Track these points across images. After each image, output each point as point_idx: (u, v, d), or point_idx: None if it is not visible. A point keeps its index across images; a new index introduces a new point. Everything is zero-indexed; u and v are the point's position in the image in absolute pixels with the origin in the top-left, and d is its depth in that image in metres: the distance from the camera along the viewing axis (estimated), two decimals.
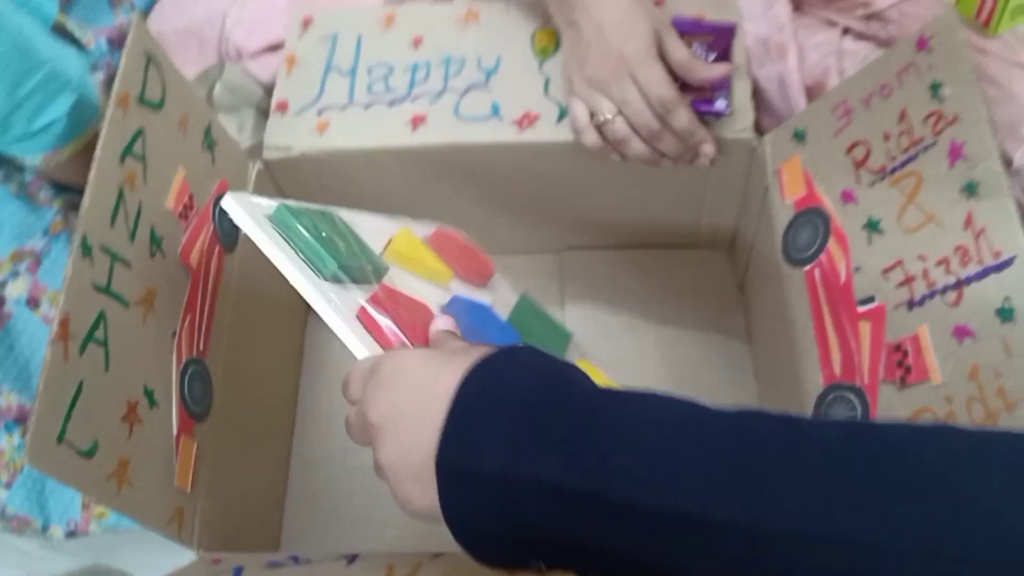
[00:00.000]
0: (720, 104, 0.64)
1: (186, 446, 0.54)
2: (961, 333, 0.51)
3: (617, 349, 0.77)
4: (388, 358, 0.41)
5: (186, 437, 0.54)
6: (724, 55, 0.66)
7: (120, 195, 0.48)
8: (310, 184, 0.72)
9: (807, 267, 0.61)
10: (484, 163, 0.70)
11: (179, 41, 0.76)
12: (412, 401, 0.38)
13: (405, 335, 0.48)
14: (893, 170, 0.57)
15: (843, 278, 0.58)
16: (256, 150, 0.70)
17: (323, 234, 0.48)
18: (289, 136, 0.69)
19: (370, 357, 0.44)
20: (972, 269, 0.51)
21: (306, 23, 0.74)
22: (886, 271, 0.56)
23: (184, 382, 0.54)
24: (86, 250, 0.45)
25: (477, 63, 0.72)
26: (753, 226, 0.71)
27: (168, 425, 0.52)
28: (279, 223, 0.47)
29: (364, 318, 0.47)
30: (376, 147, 0.69)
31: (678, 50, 0.61)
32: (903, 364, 0.54)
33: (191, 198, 0.56)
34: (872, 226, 0.57)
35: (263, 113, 0.75)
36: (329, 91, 0.71)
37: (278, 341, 0.75)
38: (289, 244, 0.47)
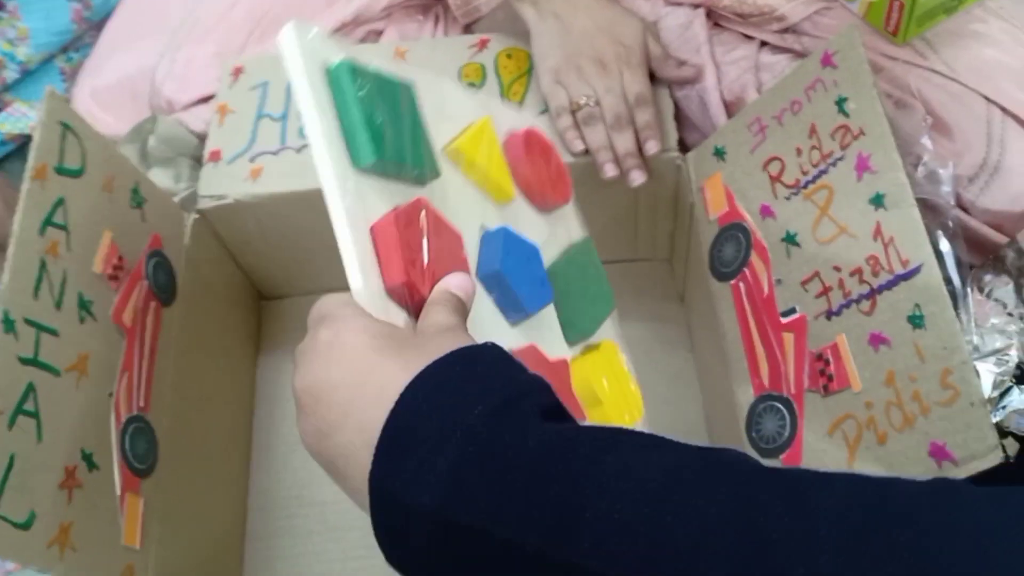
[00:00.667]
0: None
1: (132, 504, 0.54)
2: (877, 341, 0.52)
3: None
4: (334, 322, 0.36)
5: (131, 495, 0.54)
6: None
7: (42, 266, 0.49)
8: (250, 228, 0.73)
9: (732, 281, 0.63)
10: None
11: (112, 97, 0.77)
12: (339, 385, 0.34)
13: (420, 271, 0.40)
14: (806, 184, 0.59)
15: (766, 291, 0.60)
16: (194, 199, 0.71)
17: (375, 113, 0.41)
18: (223, 184, 0.70)
19: (333, 299, 0.38)
20: (884, 278, 0.53)
21: (236, 72, 0.75)
22: (805, 283, 0.57)
23: (125, 440, 0.55)
24: (9, 326, 0.46)
25: None
26: (685, 241, 0.73)
27: (111, 485, 0.53)
28: (333, 83, 0.41)
29: (378, 235, 0.40)
30: (311, 188, 0.68)
31: (655, 47, 0.69)
32: (825, 372, 0.55)
33: (121, 259, 0.57)
34: (790, 239, 0.59)
35: (199, 162, 0.76)
36: (261, 137, 0.72)
37: (228, 385, 0.75)
38: (334, 111, 0.40)
